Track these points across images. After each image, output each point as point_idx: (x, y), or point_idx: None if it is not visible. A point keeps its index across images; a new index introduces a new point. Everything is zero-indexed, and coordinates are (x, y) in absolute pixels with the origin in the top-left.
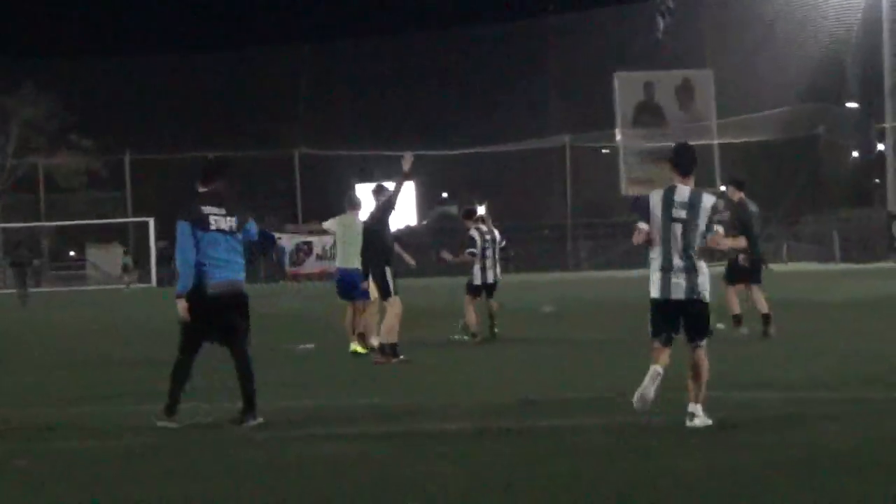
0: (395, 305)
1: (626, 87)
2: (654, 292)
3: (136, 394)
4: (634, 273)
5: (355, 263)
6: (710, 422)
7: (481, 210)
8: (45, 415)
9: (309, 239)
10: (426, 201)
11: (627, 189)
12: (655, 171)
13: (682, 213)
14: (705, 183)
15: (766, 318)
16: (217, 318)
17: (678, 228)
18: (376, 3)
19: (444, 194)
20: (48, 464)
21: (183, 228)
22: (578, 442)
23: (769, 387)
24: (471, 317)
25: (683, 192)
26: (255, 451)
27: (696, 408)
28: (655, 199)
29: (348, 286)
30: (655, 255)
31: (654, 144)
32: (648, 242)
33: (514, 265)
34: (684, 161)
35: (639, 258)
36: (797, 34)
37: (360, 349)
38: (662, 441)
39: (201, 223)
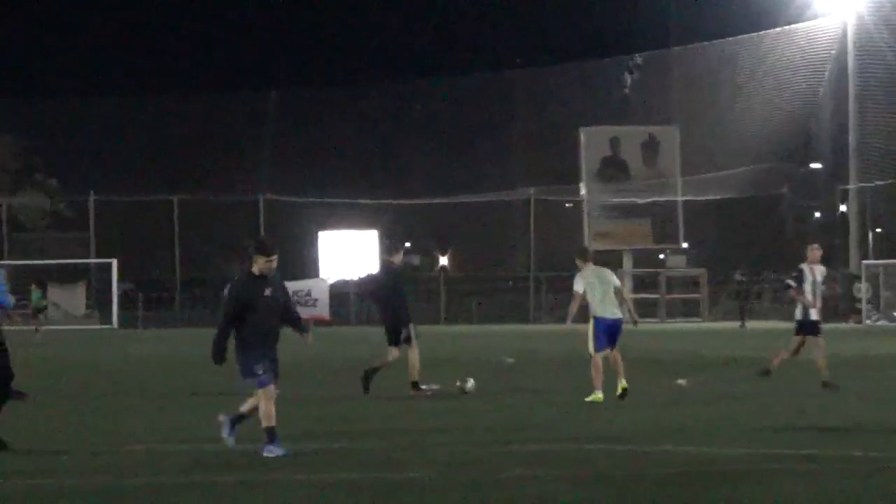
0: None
1: (591, 142)
2: None
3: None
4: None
5: (616, 313)
6: None
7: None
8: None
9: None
10: (388, 251)
11: (591, 243)
12: (619, 226)
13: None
14: (669, 240)
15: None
16: None
17: None
18: (343, 52)
19: (407, 244)
20: None
21: None
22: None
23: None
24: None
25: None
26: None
27: None
28: (807, 270)
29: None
30: None
31: (618, 199)
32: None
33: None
34: None
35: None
36: (764, 94)
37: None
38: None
39: None
